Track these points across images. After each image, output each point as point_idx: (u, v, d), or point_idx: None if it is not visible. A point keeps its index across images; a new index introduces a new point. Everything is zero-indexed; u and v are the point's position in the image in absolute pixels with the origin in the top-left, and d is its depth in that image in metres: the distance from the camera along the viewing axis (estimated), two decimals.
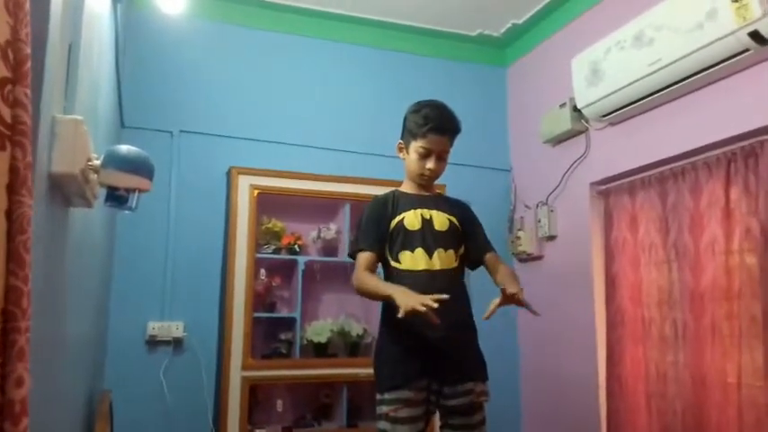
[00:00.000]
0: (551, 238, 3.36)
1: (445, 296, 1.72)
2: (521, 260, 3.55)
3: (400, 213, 2.00)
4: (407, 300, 1.70)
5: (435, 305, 1.68)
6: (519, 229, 3.51)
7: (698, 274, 2.51)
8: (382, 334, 2.01)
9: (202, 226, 3.05)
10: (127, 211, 1.21)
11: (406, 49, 3.61)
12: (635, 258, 2.84)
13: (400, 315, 1.69)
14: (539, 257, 3.44)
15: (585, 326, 3.07)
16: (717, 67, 2.34)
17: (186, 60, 3.15)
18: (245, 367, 2.87)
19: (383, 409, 1.88)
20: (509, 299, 1.81)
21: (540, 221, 3.38)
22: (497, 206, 3.63)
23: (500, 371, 3.40)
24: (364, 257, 1.95)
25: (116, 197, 1.13)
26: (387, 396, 1.88)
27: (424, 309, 1.66)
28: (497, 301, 1.82)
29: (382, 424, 1.87)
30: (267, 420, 3.04)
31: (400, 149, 2.09)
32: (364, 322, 3.20)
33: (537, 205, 3.41)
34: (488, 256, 2.06)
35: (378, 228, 1.99)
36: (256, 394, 3.03)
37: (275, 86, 3.31)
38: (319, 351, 3.10)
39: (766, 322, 2.21)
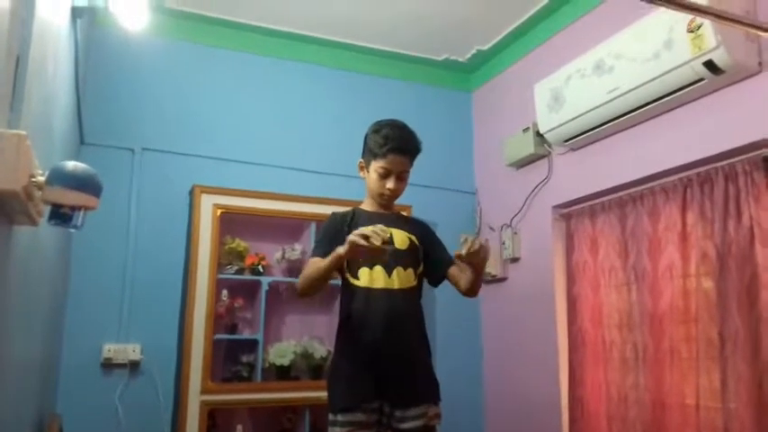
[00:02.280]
0: (515, 260, 3.38)
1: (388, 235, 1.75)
2: (486, 282, 3.56)
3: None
4: (350, 240, 1.74)
5: (383, 234, 1.73)
6: None
7: (656, 297, 2.55)
8: (336, 352, 1.99)
9: (163, 245, 3.00)
10: (72, 230, 1.17)
11: (373, 71, 3.64)
12: (595, 281, 2.87)
13: (347, 248, 1.76)
14: (503, 279, 3.46)
15: (548, 347, 3.08)
16: (673, 96, 2.41)
17: (149, 78, 3.12)
18: (204, 391, 2.80)
19: (336, 430, 1.85)
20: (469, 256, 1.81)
21: (504, 244, 3.41)
22: (463, 228, 3.62)
23: (463, 390, 3.43)
24: (312, 261, 1.94)
25: (60, 215, 1.09)
26: (339, 418, 1.86)
27: (369, 235, 1.70)
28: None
29: None
30: None
31: (361, 168, 2.10)
32: (328, 344, 3.16)
33: (501, 228, 3.44)
34: (452, 268, 2.06)
35: (332, 241, 1.97)
36: (215, 418, 2.95)
37: (240, 106, 3.29)
38: (282, 374, 3.04)
39: (723, 345, 2.24)
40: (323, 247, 1.97)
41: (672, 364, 2.46)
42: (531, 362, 3.21)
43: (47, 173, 1.13)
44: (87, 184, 1.10)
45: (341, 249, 1.79)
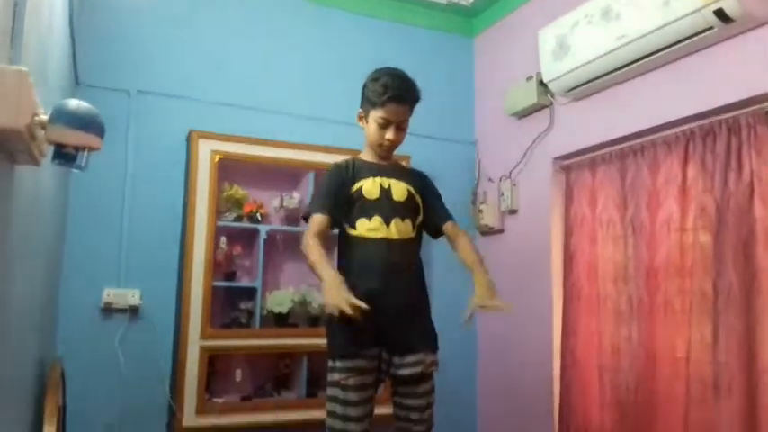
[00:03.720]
0: (513, 212, 3.39)
1: (366, 307, 1.68)
2: (483, 233, 3.58)
3: (359, 181, 1.99)
4: (333, 296, 1.68)
5: (363, 306, 1.66)
6: (482, 203, 3.53)
7: (653, 251, 2.56)
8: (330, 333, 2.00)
9: (161, 191, 2.97)
10: (77, 171, 1.15)
11: (374, 14, 3.54)
12: (592, 234, 2.88)
13: (326, 310, 1.74)
14: (500, 231, 3.48)
15: (543, 299, 3.12)
16: (681, 45, 2.36)
17: (146, 17, 3.02)
18: (203, 336, 2.82)
19: (335, 376, 1.90)
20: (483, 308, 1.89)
21: (502, 195, 3.40)
22: (462, 179, 3.63)
23: (458, 340, 3.47)
24: (317, 220, 1.93)
25: (64, 155, 1.07)
26: (339, 364, 1.89)
27: (348, 309, 1.64)
28: (471, 307, 1.87)
29: (333, 390, 1.90)
30: (226, 390, 3.01)
31: (360, 118, 2.07)
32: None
33: (500, 179, 3.43)
34: (448, 224, 2.07)
35: (335, 192, 1.97)
36: (215, 364, 3.00)
37: (239, 50, 3.21)
38: (280, 321, 3.07)
39: (716, 299, 2.27)
40: (325, 201, 1.97)
41: (665, 317, 2.50)
42: (525, 313, 3.24)
43: (49, 112, 1.11)
44: (91, 124, 1.08)
45: (325, 287, 1.73)
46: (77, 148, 1.08)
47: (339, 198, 1.97)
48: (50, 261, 2.32)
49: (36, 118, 1.07)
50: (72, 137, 1.06)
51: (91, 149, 1.09)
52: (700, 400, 2.29)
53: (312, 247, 1.86)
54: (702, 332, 2.33)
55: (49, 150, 1.19)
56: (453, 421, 3.34)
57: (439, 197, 2.13)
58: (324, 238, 1.90)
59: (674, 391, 2.41)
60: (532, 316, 3.19)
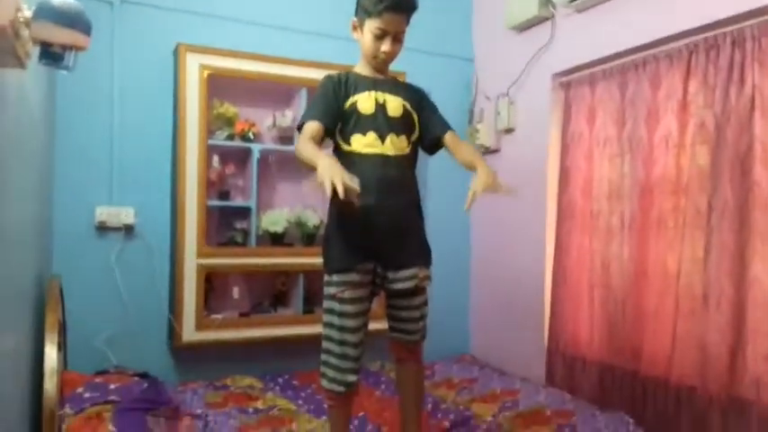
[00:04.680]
0: (509, 131, 3.35)
1: (358, 190, 1.60)
2: None
3: (354, 95, 1.94)
4: (328, 171, 1.59)
5: (356, 188, 1.59)
6: (478, 122, 3.48)
7: (649, 168, 2.56)
8: (331, 216, 2.01)
9: (149, 108, 2.89)
10: (64, 71, 1.09)
11: None
12: (589, 152, 2.87)
13: (321, 187, 1.59)
14: (496, 151, 3.45)
15: (537, 218, 3.14)
16: None
17: None
18: (200, 255, 2.83)
19: (331, 290, 1.92)
20: (486, 188, 1.80)
21: (499, 114, 3.35)
22: (458, 97, 3.57)
23: (451, 257, 3.54)
24: (310, 127, 1.87)
25: (50, 54, 1.02)
26: (335, 278, 1.91)
27: (340, 186, 1.55)
28: (474, 188, 1.79)
29: (330, 303, 1.93)
30: (224, 307, 3.06)
31: (354, 28, 1.99)
32: (321, 214, 3.18)
33: (497, 97, 3.36)
34: (448, 134, 2.03)
35: (329, 102, 1.92)
36: (212, 282, 3.03)
37: None
38: (275, 241, 3.08)
39: (710, 215, 2.29)
40: (319, 109, 1.91)
41: (657, 234, 2.52)
42: (519, 232, 3.29)
43: (32, 8, 1.04)
44: (77, 21, 1.02)
45: (319, 166, 1.63)
46: (64, 47, 1.02)
47: (333, 109, 1.92)
48: (42, 176, 2.28)
49: (19, 14, 1.01)
50: (59, 34, 1.00)
51: (78, 49, 1.04)
52: (688, 314, 2.36)
53: (305, 144, 1.80)
54: (694, 248, 2.36)
55: (35, 52, 1.13)
56: (446, 333, 3.46)
57: (436, 110, 2.09)
58: (317, 144, 1.84)
59: (664, 306, 2.47)
60: (526, 234, 3.22)
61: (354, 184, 1.59)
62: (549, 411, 2.47)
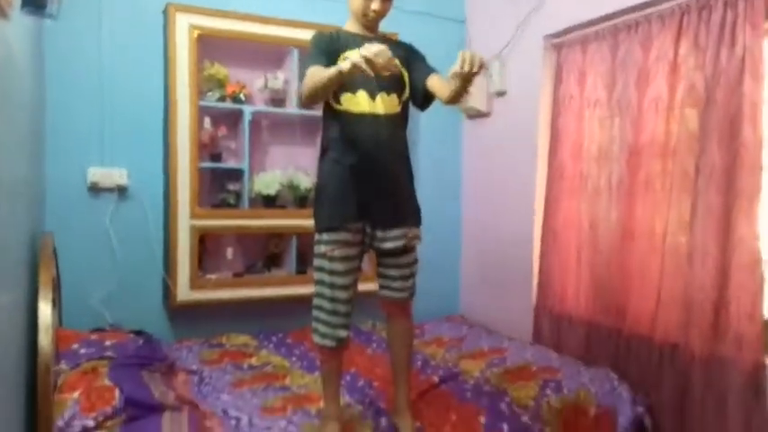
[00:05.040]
0: (501, 94, 3.34)
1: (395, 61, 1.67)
2: (469, 117, 3.56)
3: (344, 53, 1.93)
4: (356, 55, 1.63)
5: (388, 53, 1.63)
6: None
7: (638, 130, 2.57)
8: (320, 175, 2.02)
9: (140, 68, 2.88)
10: (48, 20, 1.09)
11: None
12: (579, 114, 2.88)
13: (349, 67, 1.64)
14: (487, 115, 3.45)
15: (527, 180, 3.17)
16: None
17: None
18: (193, 216, 2.86)
19: (322, 248, 1.95)
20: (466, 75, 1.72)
21: (491, 77, 3.34)
22: (450, 59, 3.51)
23: (441, 220, 3.57)
24: (314, 70, 1.83)
25: (33, 1, 1.01)
26: (325, 236, 1.94)
27: (371, 59, 1.61)
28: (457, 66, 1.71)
29: (320, 262, 1.96)
30: (217, 268, 3.09)
31: None
32: (313, 177, 3.19)
33: (489, 59, 3.35)
34: (434, 76, 1.99)
35: (325, 53, 1.91)
36: (206, 243, 3.06)
37: None
38: (268, 203, 3.10)
39: (697, 177, 2.31)
40: (316, 59, 1.89)
41: (645, 196, 2.55)
42: (509, 194, 3.31)
43: None
44: None
45: (344, 65, 1.67)
46: None
47: (329, 58, 1.90)
48: (33, 132, 2.28)
49: None
50: None
51: None
52: (673, 274, 2.40)
53: (310, 74, 1.81)
54: (681, 210, 2.39)
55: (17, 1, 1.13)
56: (436, 293, 3.52)
57: (424, 59, 2.09)
58: None
59: (649, 266, 2.51)
60: (515, 196, 3.25)
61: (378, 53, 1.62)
62: (535, 367, 2.54)
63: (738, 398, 2.14)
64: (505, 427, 2.13)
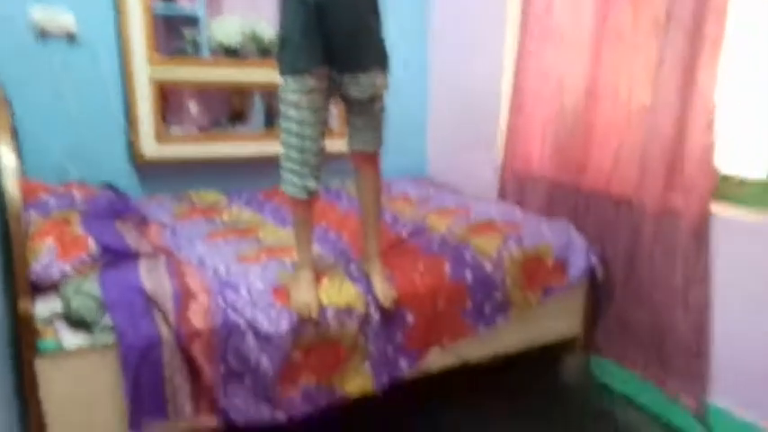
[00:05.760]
0: None
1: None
2: None
3: None
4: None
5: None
6: None
7: None
8: (285, 16, 1.91)
9: None
10: None
11: None
12: None
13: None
14: None
15: (496, 35, 3.08)
16: None
17: None
18: (151, 63, 2.71)
19: (288, 95, 1.88)
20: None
21: None
22: None
23: (409, 64, 3.50)
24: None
25: None
26: (290, 81, 1.87)
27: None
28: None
29: (287, 109, 1.90)
30: (181, 121, 2.99)
31: None
32: (277, 25, 3.02)
33: None
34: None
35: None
36: (167, 97, 2.93)
37: None
38: (230, 56, 2.95)
39: (668, 24, 2.23)
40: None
41: (614, 47, 2.47)
42: (477, 51, 3.24)
43: None
44: None
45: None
46: None
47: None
48: None
49: None
50: None
51: None
52: (633, 130, 2.42)
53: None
54: (648, 60, 2.36)
55: None
56: (404, 154, 3.55)
57: None
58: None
59: (611, 123, 2.52)
60: (484, 52, 3.18)
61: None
62: (498, 222, 2.64)
63: (684, 247, 2.27)
64: (469, 274, 2.25)
